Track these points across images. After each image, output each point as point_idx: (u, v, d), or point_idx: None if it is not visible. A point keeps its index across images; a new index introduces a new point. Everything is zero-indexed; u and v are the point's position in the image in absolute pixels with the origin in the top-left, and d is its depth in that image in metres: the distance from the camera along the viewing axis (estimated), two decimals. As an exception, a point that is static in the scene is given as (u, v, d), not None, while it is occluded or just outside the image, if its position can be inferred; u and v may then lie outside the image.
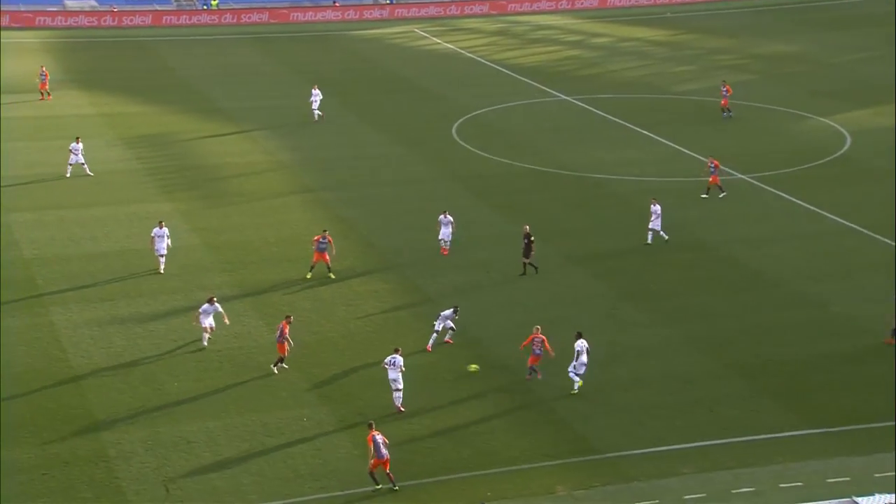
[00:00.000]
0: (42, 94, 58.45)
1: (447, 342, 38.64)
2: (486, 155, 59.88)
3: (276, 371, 36.58)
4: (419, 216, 50.19)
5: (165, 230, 44.19)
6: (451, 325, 38.38)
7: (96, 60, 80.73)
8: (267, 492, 30.76)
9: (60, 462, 32.03)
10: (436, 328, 38.27)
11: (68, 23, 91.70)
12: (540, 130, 64.66)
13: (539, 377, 36.19)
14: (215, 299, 38.70)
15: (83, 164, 54.92)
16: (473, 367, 36.56)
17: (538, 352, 36.02)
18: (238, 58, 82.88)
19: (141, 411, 34.60)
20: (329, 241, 43.80)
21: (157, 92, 71.66)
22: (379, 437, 30.79)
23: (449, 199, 51.88)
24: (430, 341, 38.22)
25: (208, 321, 38.23)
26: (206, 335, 38.29)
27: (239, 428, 33.85)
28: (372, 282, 43.73)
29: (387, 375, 34.68)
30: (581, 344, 35.73)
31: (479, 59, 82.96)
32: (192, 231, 48.86)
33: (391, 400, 34.62)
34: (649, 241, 47.42)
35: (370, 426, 31.18)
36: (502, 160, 58.97)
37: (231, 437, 33.35)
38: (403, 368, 34.55)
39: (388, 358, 34.78)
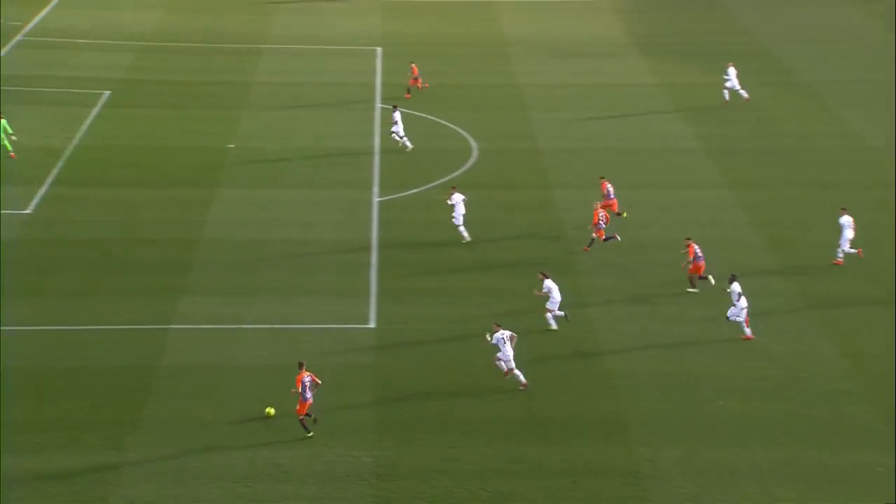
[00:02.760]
0: (409, 90, 61.00)
1: None
2: None
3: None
4: None
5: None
6: None
7: (655, 23, 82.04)
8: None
9: (591, 471, 33.29)
10: None
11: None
12: None
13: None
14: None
15: (402, 137, 56.23)
16: (270, 410, 35.37)
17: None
18: (833, 20, 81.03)
19: (678, 426, 35.13)
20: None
21: (726, 58, 71.50)
22: (307, 378, 33.75)
23: None
24: None
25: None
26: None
27: (794, 465, 33.42)
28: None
29: None
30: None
31: None
32: (753, 226, 48.70)
33: None
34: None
35: (300, 366, 34.08)
36: None
37: (784, 476, 33.04)
38: None
39: None
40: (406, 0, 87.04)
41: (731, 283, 40.08)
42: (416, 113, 61.84)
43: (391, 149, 56.96)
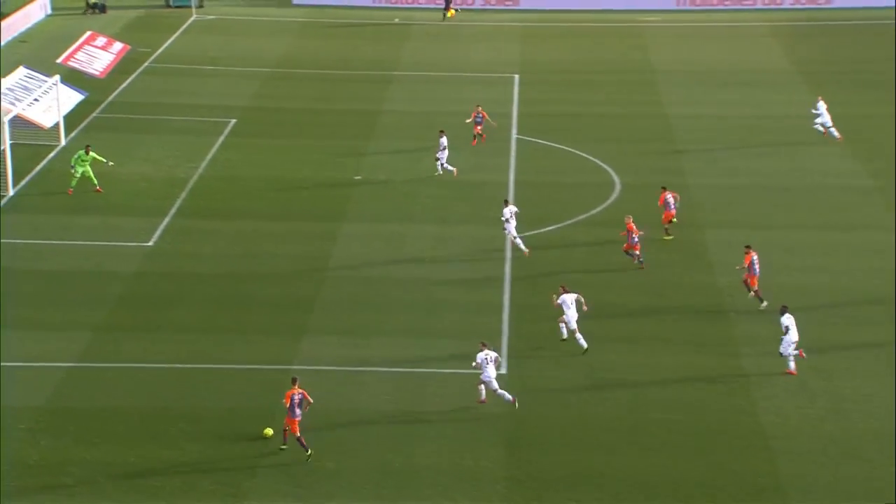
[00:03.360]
0: (476, 136, 60.07)
1: None
2: None
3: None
4: None
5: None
6: None
7: (823, 50, 79.54)
8: None
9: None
10: None
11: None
12: None
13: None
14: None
15: (444, 164, 56.44)
16: (268, 431, 36.01)
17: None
18: None
19: (841, 493, 33.55)
20: None
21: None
22: (298, 396, 34.74)
23: None
24: None
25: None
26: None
27: None
28: None
29: None
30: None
31: None
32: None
33: None
34: None
35: (293, 381, 35.24)
36: None
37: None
38: None
39: None
40: (546, 24, 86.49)
41: (782, 314, 39.71)
42: (553, 144, 60.90)
43: (528, 182, 56.18)
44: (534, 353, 41.10)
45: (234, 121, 64.59)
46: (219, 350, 41.23)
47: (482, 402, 37.80)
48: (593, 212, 53.00)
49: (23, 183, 55.42)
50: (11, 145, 55.53)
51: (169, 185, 55.67)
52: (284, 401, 35.08)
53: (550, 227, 51.32)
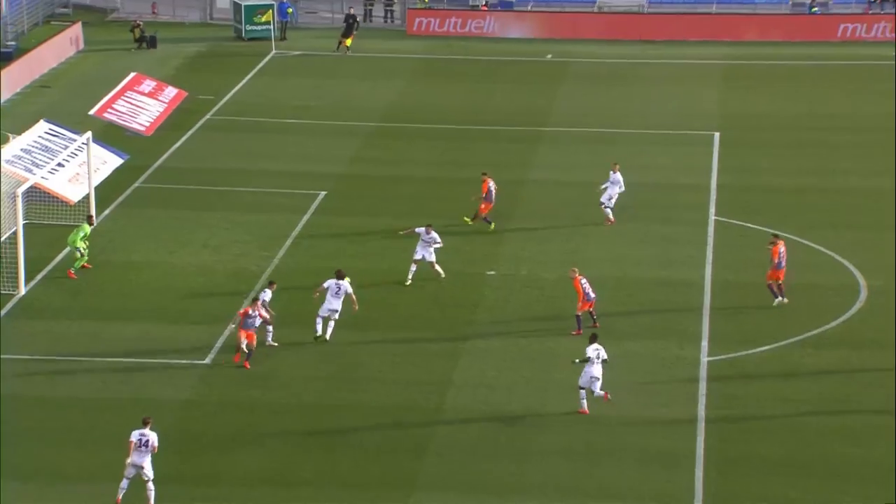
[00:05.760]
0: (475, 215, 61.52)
1: None
2: None
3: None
4: None
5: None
6: None
7: None
8: None
9: None
10: None
11: None
12: None
13: None
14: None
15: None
16: None
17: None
18: None
19: None
20: None
21: None
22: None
23: None
24: None
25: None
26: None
27: None
28: None
29: None
30: None
31: None
32: None
33: None
34: None
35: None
36: None
37: None
38: None
39: None
40: (757, 63, 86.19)
41: None
42: (766, 229, 60.37)
43: (732, 282, 56.04)
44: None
45: (323, 193, 65.15)
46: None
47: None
48: (827, 326, 52.39)
49: (38, 277, 56.10)
50: (25, 226, 56.31)
51: (234, 280, 56.02)
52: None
53: (763, 348, 50.80)
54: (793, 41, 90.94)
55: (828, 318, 52.98)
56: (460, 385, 48.43)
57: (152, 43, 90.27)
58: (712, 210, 63.22)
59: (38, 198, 58.71)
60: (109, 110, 67.97)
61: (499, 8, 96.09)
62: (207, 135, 73.70)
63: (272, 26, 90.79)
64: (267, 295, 50.89)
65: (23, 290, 54.78)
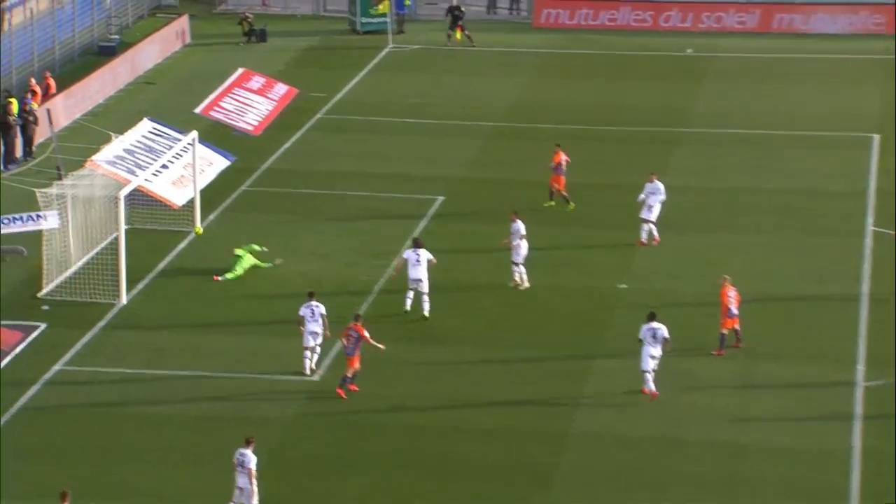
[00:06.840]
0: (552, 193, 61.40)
1: None
2: None
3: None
4: None
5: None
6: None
7: None
8: None
9: None
10: None
11: None
12: None
13: None
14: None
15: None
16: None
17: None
18: None
19: None
20: None
21: None
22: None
23: None
24: None
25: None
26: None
27: None
28: None
29: None
30: None
31: None
32: None
33: None
34: None
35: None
36: None
37: None
38: None
39: None
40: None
41: None
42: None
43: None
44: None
45: (441, 198, 65.36)
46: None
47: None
48: None
49: (140, 285, 56.57)
50: (128, 231, 56.61)
51: (345, 290, 56.15)
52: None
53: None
54: None
55: None
56: (587, 406, 48.31)
57: (262, 37, 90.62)
58: (869, 219, 62.88)
59: (140, 201, 58.95)
60: (216, 108, 67.96)
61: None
62: (318, 135, 74.16)
63: (389, 19, 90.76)
64: (321, 308, 50.12)
65: (123, 300, 55.15)
